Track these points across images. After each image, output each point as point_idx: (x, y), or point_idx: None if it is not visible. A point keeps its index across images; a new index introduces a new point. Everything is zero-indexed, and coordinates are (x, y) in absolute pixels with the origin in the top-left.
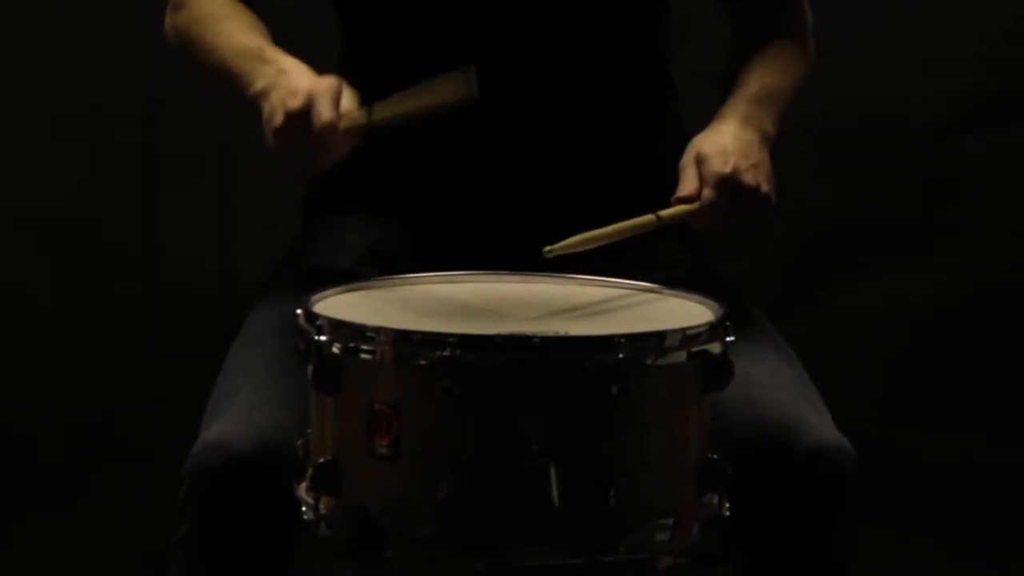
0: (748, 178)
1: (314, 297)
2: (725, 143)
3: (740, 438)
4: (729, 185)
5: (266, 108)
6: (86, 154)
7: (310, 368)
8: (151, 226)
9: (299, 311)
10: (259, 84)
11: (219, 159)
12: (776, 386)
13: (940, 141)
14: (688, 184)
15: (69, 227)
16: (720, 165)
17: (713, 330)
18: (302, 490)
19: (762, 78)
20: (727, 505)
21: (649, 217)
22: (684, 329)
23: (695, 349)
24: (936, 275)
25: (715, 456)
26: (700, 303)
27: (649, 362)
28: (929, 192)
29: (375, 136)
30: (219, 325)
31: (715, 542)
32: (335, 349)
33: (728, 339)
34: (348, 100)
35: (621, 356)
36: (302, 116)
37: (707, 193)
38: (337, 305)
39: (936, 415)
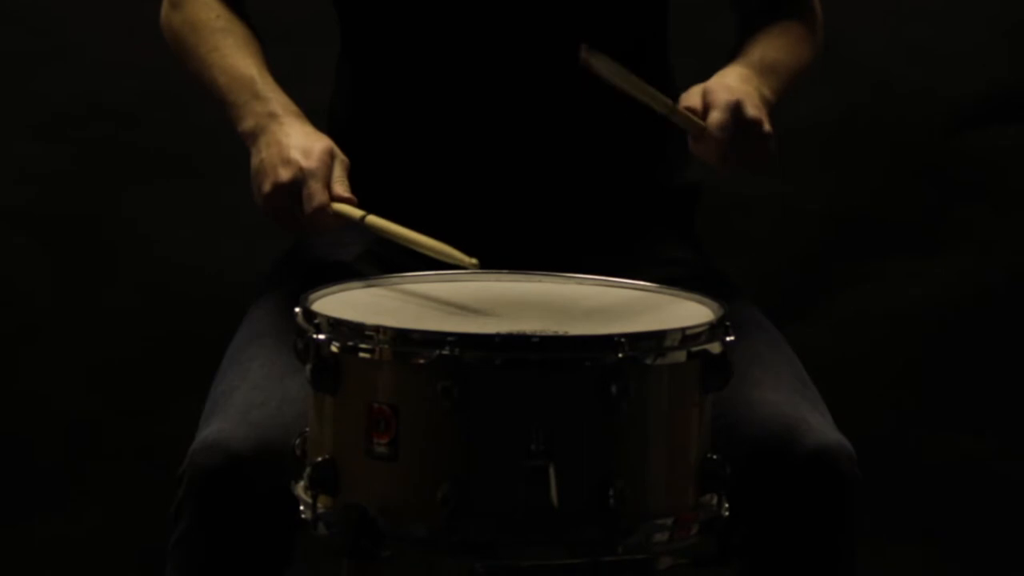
0: (752, 111)
1: (312, 295)
2: (728, 82)
3: (740, 439)
4: (734, 111)
5: (254, 161)
6: (75, 152)
7: (308, 367)
8: (143, 225)
9: (297, 309)
10: (248, 124)
11: (212, 156)
12: (777, 386)
13: (949, 139)
14: (692, 101)
15: (58, 226)
16: (726, 94)
17: (713, 330)
18: (300, 489)
19: (764, 51)
20: (727, 506)
21: (667, 99)
22: (684, 329)
23: (695, 349)
24: (943, 276)
25: (715, 457)
26: (700, 303)
27: (649, 362)
28: (937, 191)
29: (374, 135)
30: (213, 324)
31: (714, 543)
32: (333, 348)
33: (728, 339)
34: (339, 178)
35: (621, 356)
36: (291, 191)
37: (713, 115)
38: (335, 304)
39: (939, 417)
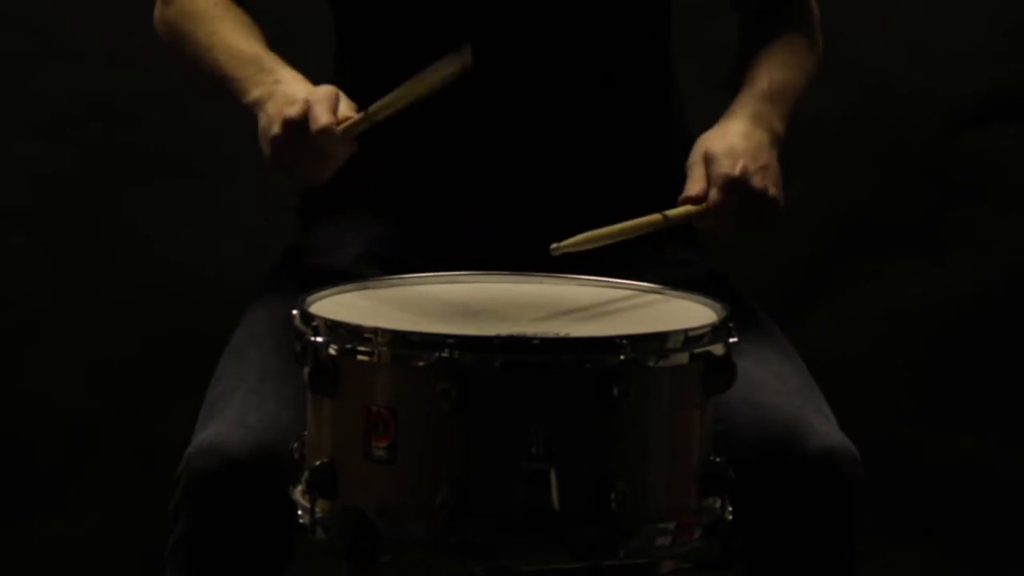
0: (757, 181)
1: (310, 297)
2: (734, 143)
3: (743, 441)
4: (737, 187)
5: (262, 118)
6: (75, 152)
7: (306, 369)
8: (143, 225)
9: (295, 312)
10: (255, 93)
11: (212, 156)
12: (780, 389)
13: (951, 139)
14: (695, 184)
15: (58, 226)
16: (729, 167)
17: (716, 331)
18: (298, 493)
19: (772, 74)
20: (730, 509)
21: (656, 217)
22: (687, 330)
23: (698, 351)
24: (945, 277)
25: (718, 460)
26: (703, 304)
27: (651, 364)
28: (937, 191)
29: (373, 135)
30: (213, 324)
31: (717, 547)
32: (331, 350)
33: (731, 340)
34: (345, 106)
35: (622, 358)
36: (300, 123)
37: (715, 195)
38: (334, 306)
39: (944, 419)
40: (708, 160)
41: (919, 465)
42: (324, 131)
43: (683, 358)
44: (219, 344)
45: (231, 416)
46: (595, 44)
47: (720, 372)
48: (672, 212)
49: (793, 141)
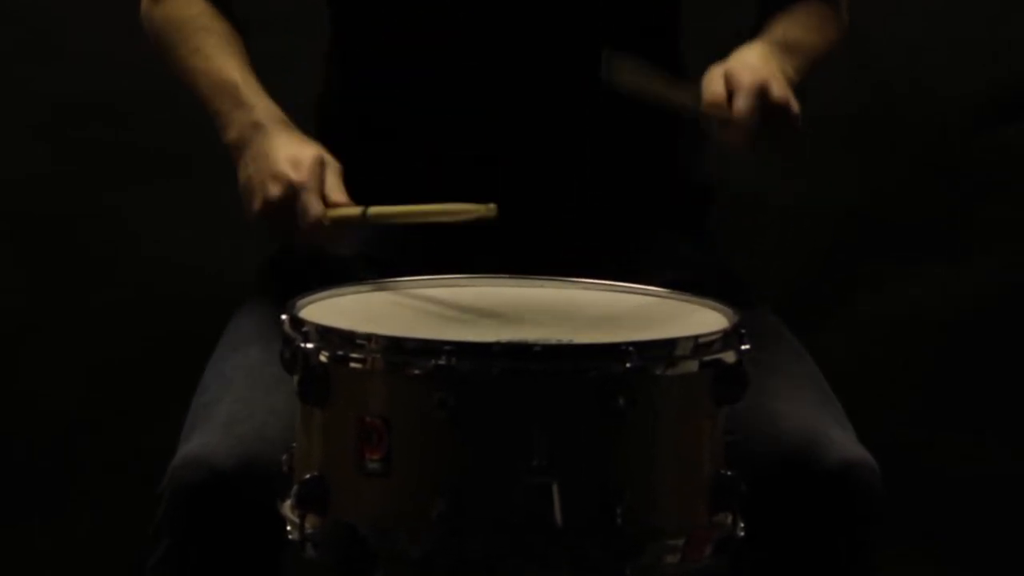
0: (777, 92)
1: (300, 302)
2: (751, 62)
3: (756, 454)
4: (759, 95)
5: (241, 176)
6: (74, 152)
7: (296, 378)
8: (143, 225)
9: (284, 316)
10: (232, 134)
11: (212, 156)
12: (795, 398)
13: (980, 132)
14: (715, 89)
15: (44, 227)
16: (749, 78)
17: (727, 338)
18: (287, 508)
19: (786, 30)
20: (742, 525)
21: (689, 98)
22: (696, 337)
23: (708, 358)
24: (973, 277)
25: (729, 473)
26: (713, 309)
27: (658, 372)
28: (967, 187)
29: (367, 128)
30: (213, 324)
31: (728, 565)
32: (322, 357)
33: (743, 348)
34: (333, 186)
35: (628, 365)
36: (282, 204)
37: (738, 103)
38: (325, 310)
39: (971, 430)
40: (727, 74)
41: (949, 483)
42: (315, 225)
43: (692, 366)
44: (210, 351)
45: (217, 427)
46: (601, 37)
47: (731, 381)
48: (706, 105)
49: (810, 135)
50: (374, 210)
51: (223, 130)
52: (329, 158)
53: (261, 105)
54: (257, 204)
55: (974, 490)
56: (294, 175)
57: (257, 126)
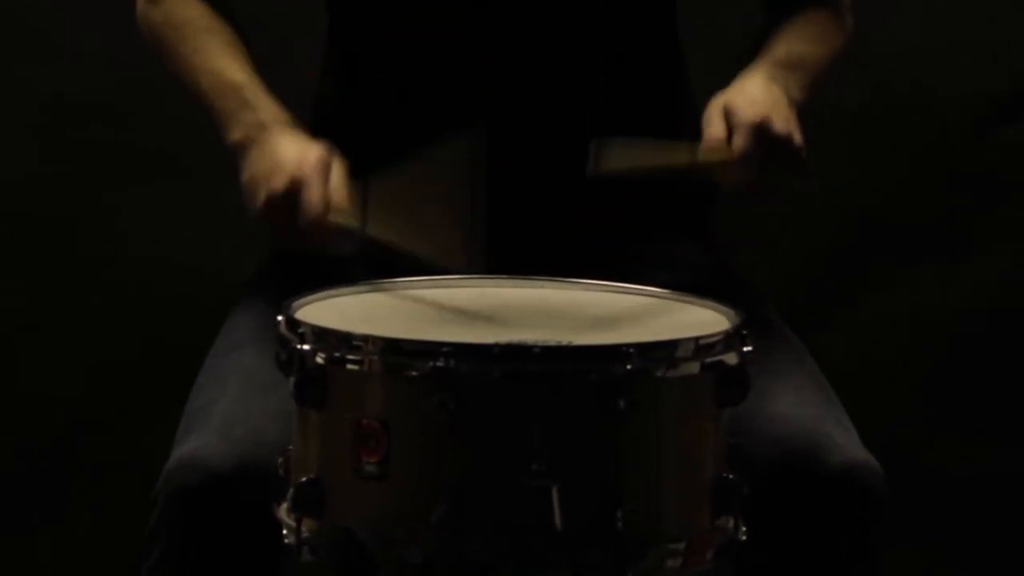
0: (779, 127)
1: (296, 302)
2: (753, 94)
3: (759, 457)
4: (760, 133)
5: (245, 173)
6: (73, 152)
7: (292, 380)
8: (143, 224)
9: (280, 318)
10: (237, 135)
11: (212, 156)
12: (798, 401)
13: (980, 132)
14: (715, 131)
15: (44, 227)
16: (750, 114)
17: (729, 339)
18: (283, 511)
19: (790, 45)
20: (744, 529)
21: (685, 155)
22: (697, 338)
23: (709, 360)
24: (974, 277)
25: (731, 476)
26: (715, 310)
27: (660, 374)
28: (967, 187)
29: (365, 125)
30: (213, 324)
31: (730, 569)
32: (319, 359)
33: (745, 349)
34: (338, 186)
35: (629, 367)
36: (286, 199)
37: (738, 142)
38: (321, 311)
39: (971, 430)
40: (728, 110)
41: (953, 486)
42: (315, 223)
43: (694, 368)
44: (206, 351)
45: (213, 429)
46: (599, 33)
47: (733, 383)
48: (701, 156)
49: (811, 135)
50: (372, 228)
51: (227, 130)
52: (335, 157)
53: (267, 106)
54: (261, 198)
55: (974, 490)
56: (299, 170)
57: (263, 126)
